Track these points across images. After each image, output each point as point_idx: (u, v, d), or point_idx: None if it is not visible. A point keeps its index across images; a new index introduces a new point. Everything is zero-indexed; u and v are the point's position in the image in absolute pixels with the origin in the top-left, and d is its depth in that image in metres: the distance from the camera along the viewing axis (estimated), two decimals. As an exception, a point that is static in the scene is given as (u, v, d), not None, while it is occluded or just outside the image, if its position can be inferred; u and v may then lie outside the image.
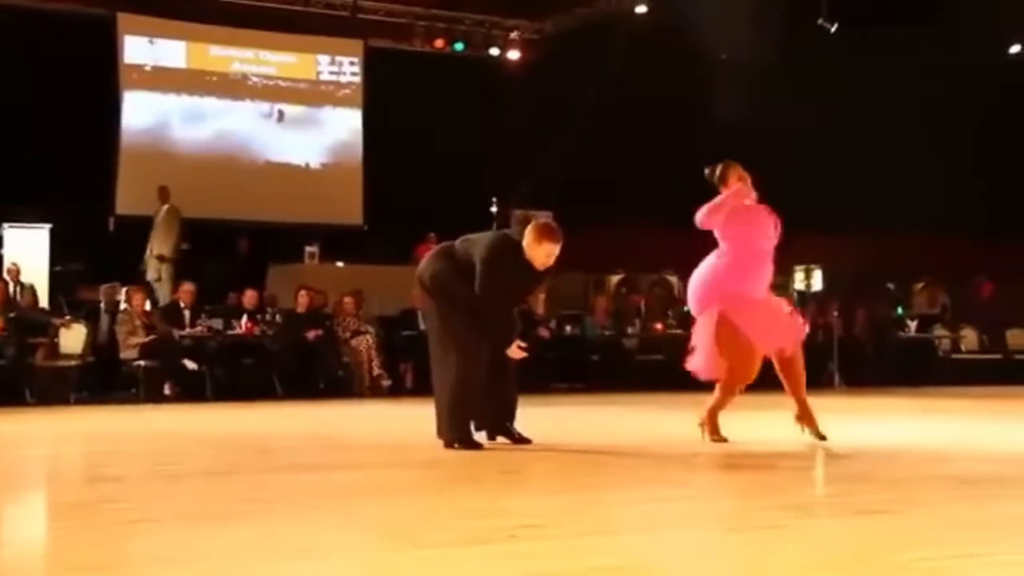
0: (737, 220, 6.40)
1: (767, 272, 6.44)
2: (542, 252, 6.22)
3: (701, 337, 6.37)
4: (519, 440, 6.40)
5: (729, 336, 6.27)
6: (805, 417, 6.45)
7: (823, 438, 6.38)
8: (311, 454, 6.60)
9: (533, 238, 6.23)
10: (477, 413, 6.38)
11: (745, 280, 6.37)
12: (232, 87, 17.84)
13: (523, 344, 6.28)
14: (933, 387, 14.24)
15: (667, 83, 17.16)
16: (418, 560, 3.27)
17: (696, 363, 6.41)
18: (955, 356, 16.51)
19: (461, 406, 6.27)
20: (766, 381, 6.55)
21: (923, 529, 3.71)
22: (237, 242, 16.64)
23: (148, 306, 13.23)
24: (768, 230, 6.42)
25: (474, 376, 6.22)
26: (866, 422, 8.53)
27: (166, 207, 15.07)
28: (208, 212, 16.71)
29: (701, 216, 6.39)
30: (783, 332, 6.36)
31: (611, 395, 12.80)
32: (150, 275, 14.74)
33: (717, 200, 6.43)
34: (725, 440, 6.40)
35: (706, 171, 6.63)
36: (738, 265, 6.35)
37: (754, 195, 6.53)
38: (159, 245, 14.87)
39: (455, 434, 6.27)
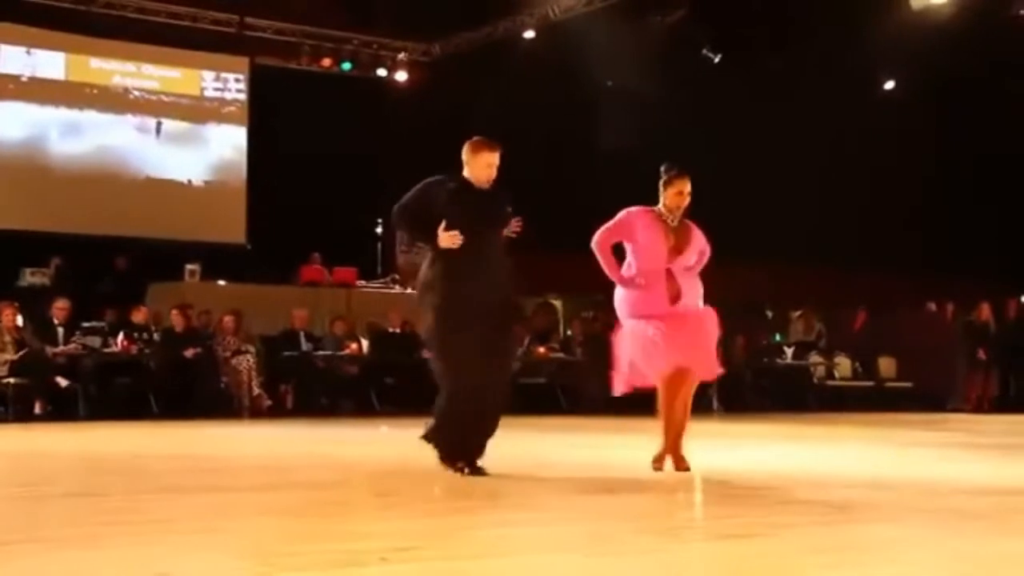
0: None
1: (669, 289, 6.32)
2: (481, 163, 6.03)
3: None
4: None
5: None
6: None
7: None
8: (183, 475, 6.47)
9: (469, 153, 6.07)
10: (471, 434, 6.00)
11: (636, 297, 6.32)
12: (113, 101, 17.46)
13: (454, 233, 5.88)
14: (808, 413, 14.54)
15: (553, 108, 17.34)
16: (284, 584, 3.23)
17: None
18: (829, 383, 16.89)
19: (448, 422, 6.00)
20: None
21: (786, 553, 3.77)
22: (115, 259, 16.29)
23: (20, 321, 12.87)
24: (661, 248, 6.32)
25: (463, 389, 5.91)
26: (741, 448, 8.67)
27: None
28: (86, 228, 16.38)
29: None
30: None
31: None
32: None
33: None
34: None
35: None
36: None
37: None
38: None
39: (441, 452, 6.05)
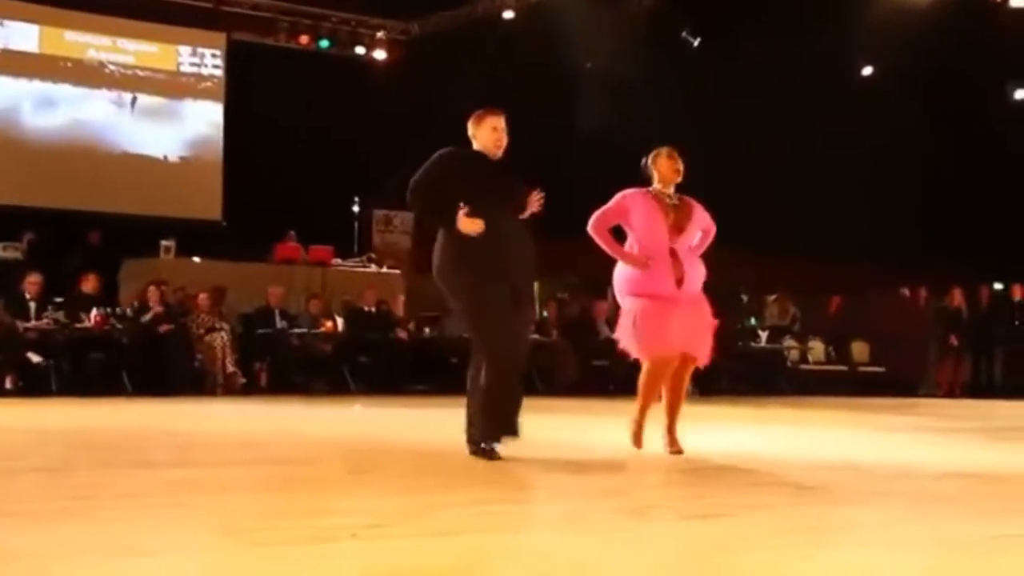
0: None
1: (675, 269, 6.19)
2: (487, 128, 5.92)
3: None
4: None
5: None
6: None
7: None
8: (155, 451, 6.44)
9: (474, 126, 5.95)
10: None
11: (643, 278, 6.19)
12: (88, 75, 17.30)
13: (476, 220, 5.66)
14: (781, 397, 14.60)
15: (532, 89, 17.28)
16: (254, 558, 3.22)
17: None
18: (803, 367, 16.96)
19: (499, 396, 5.71)
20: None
21: (756, 533, 3.79)
22: (89, 234, 16.16)
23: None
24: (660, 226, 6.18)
25: (511, 356, 5.69)
26: (715, 430, 8.69)
27: None
28: (59, 202, 16.25)
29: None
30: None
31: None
32: None
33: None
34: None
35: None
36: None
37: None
38: None
39: (485, 433, 5.75)
